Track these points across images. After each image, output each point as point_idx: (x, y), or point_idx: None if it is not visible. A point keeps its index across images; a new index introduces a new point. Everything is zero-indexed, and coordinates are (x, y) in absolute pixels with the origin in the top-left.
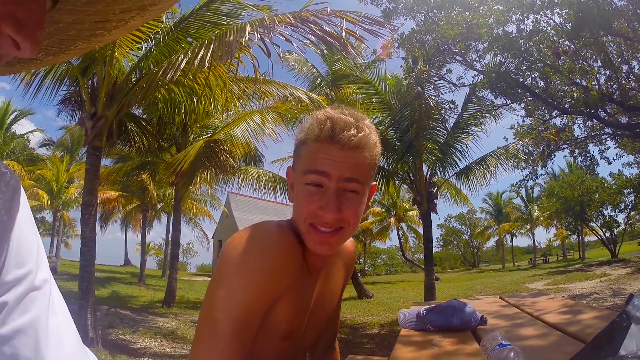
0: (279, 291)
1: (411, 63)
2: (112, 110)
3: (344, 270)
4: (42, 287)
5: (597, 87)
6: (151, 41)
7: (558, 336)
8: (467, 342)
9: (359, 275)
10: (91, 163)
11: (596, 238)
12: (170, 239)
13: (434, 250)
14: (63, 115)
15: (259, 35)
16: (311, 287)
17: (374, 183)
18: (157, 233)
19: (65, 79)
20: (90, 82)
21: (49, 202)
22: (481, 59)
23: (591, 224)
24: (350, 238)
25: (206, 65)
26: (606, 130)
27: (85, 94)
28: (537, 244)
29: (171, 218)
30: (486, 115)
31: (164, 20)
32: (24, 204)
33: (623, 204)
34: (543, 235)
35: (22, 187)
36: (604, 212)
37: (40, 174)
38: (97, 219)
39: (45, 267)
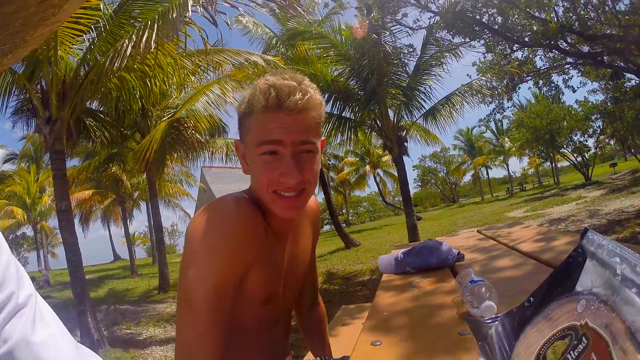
0: (246, 261)
1: (365, 11)
2: (66, 110)
3: (311, 228)
4: (27, 303)
5: (555, 19)
6: (93, 32)
7: (533, 265)
8: (445, 279)
9: (344, 225)
10: (57, 168)
11: (569, 163)
12: (152, 225)
13: (413, 191)
14: (19, 126)
15: (201, 8)
16: (281, 251)
17: (323, 138)
18: (140, 221)
19: (13, 89)
20: (38, 86)
21: (25, 217)
22: (436, 0)
23: (562, 150)
24: (312, 196)
25: (152, 46)
26: (568, 59)
27: (36, 99)
28: (512, 173)
29: (149, 205)
30: (446, 55)
31: (102, 8)
32: None
33: (591, 129)
34: (517, 165)
35: None
36: (574, 138)
37: (10, 190)
38: (77, 221)
39: (27, 283)
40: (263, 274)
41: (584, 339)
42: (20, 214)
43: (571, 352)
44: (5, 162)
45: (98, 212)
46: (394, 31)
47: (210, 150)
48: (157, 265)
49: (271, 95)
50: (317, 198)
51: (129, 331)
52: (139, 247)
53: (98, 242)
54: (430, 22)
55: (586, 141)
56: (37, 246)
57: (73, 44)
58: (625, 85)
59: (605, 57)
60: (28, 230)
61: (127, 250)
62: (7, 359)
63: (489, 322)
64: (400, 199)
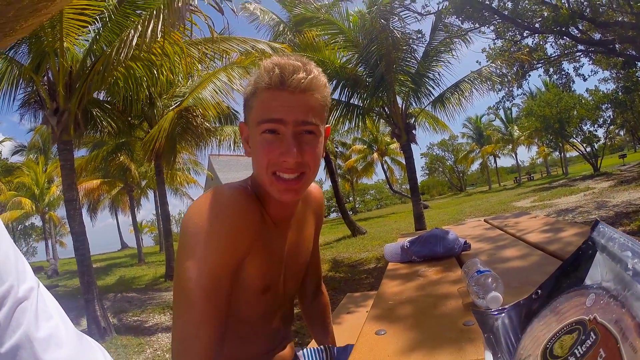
0: (242, 250)
1: None
2: (73, 101)
3: (314, 218)
4: (29, 296)
5: (566, 4)
6: (98, 22)
7: (539, 256)
8: (451, 269)
9: (350, 213)
10: (64, 158)
11: (577, 153)
12: (159, 213)
13: (421, 179)
14: (27, 118)
15: None
16: (281, 239)
17: (328, 125)
18: (148, 210)
19: (20, 81)
20: (45, 78)
21: (34, 207)
22: None
23: (572, 139)
24: (316, 184)
25: (159, 36)
26: (579, 47)
27: (43, 91)
28: (520, 163)
29: (156, 193)
30: (455, 41)
31: None
32: None
33: (602, 119)
34: (525, 154)
35: None
36: (584, 127)
37: (19, 181)
38: (85, 210)
39: (29, 276)
40: (261, 262)
41: (592, 334)
42: (28, 204)
43: (579, 347)
44: (14, 154)
45: (106, 201)
46: (402, 17)
47: (218, 138)
48: (164, 254)
49: (275, 73)
50: (323, 186)
51: (135, 318)
52: (147, 235)
53: (106, 231)
54: (439, 7)
55: (596, 131)
56: (45, 236)
57: (79, 35)
58: (637, 74)
59: (617, 45)
60: (37, 221)
61: (134, 239)
62: (10, 357)
63: (496, 314)
64: (408, 186)
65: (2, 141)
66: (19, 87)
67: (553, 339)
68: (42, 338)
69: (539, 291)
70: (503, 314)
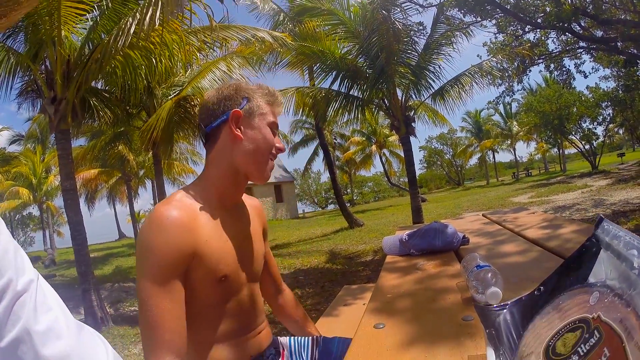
0: (187, 252)
1: None
2: (71, 90)
3: (258, 220)
4: (27, 289)
5: (569, 0)
6: (96, 10)
7: (538, 252)
8: (450, 263)
9: (348, 205)
10: (62, 148)
11: (576, 150)
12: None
13: (419, 172)
14: (25, 107)
15: None
16: (234, 224)
17: None
18: (145, 200)
19: (17, 70)
20: (42, 66)
21: (31, 197)
22: None
23: (570, 136)
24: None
25: (157, 24)
26: (581, 44)
27: (41, 80)
28: (518, 158)
29: (154, 183)
30: (457, 34)
31: None
32: None
33: (601, 117)
34: (524, 150)
35: None
36: (583, 125)
37: (16, 171)
38: (83, 200)
39: (28, 269)
40: (215, 250)
41: (596, 333)
42: (26, 194)
43: (582, 345)
44: (11, 143)
45: (104, 191)
46: (404, 8)
47: None
48: None
49: (277, 97)
50: (321, 177)
51: (132, 308)
52: None
53: (104, 221)
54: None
55: (595, 129)
56: (43, 226)
57: (77, 24)
58: (637, 73)
59: (619, 43)
60: (34, 210)
61: (132, 229)
62: (11, 351)
63: (497, 310)
64: (405, 179)
65: (0, 130)
66: (16, 76)
67: (556, 336)
68: (41, 331)
69: (542, 287)
70: (505, 310)
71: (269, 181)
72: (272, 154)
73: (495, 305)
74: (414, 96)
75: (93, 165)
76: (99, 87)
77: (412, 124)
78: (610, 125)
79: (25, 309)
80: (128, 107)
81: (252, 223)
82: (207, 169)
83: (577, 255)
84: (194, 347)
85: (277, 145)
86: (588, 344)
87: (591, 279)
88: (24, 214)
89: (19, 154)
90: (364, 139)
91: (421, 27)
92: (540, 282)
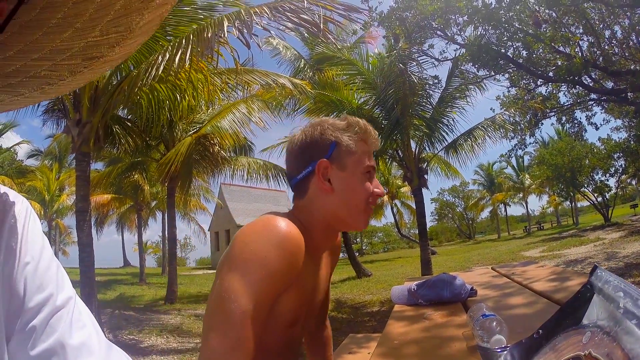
0: (287, 284)
1: (392, 41)
2: (96, 115)
3: (330, 256)
4: (66, 305)
5: (580, 54)
6: None
7: (545, 304)
8: (457, 313)
9: (357, 254)
10: (81, 169)
11: (589, 203)
12: (166, 236)
13: (430, 224)
14: (49, 125)
15: (237, 30)
16: (313, 275)
17: None
18: (154, 231)
19: None
20: None
21: (42, 212)
22: (462, 32)
23: (583, 189)
24: None
25: (187, 63)
26: (592, 96)
27: (68, 101)
28: (530, 212)
29: (166, 215)
30: (470, 87)
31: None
32: (34, 228)
33: (613, 168)
34: (536, 203)
35: (31, 210)
36: (595, 177)
37: (31, 185)
38: (92, 222)
39: (68, 286)
40: (296, 297)
41: None
42: (37, 208)
43: None
44: (29, 157)
45: (114, 216)
46: (420, 62)
47: (232, 167)
48: (165, 276)
49: (370, 133)
50: None
51: (131, 337)
52: (150, 256)
53: (110, 246)
54: (456, 54)
55: (607, 180)
56: (49, 242)
57: None
58: None
59: (629, 94)
60: (43, 226)
61: (137, 257)
62: (43, 359)
63: (499, 351)
64: (416, 231)
65: (19, 143)
66: None
67: None
68: (75, 345)
69: (540, 331)
70: (506, 352)
71: None
72: (370, 202)
73: (497, 348)
74: (427, 148)
75: (107, 190)
76: (123, 116)
77: (425, 175)
78: (623, 177)
79: (62, 323)
80: (148, 139)
81: (326, 264)
82: (296, 212)
83: (573, 300)
84: None
85: (375, 191)
86: None
87: (585, 321)
88: None
89: (36, 169)
90: None
91: (436, 81)
92: (539, 326)
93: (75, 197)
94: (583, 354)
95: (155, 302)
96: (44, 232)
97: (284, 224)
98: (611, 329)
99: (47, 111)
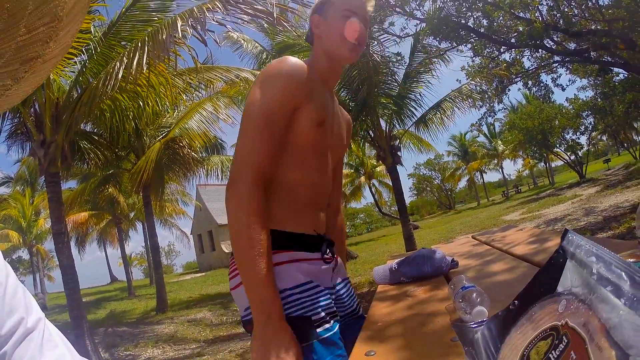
0: (297, 96)
1: None
2: (60, 133)
3: (345, 128)
4: (36, 327)
5: (540, 18)
6: (84, 54)
7: (526, 267)
8: (439, 287)
9: None
10: (52, 191)
11: (563, 162)
12: (148, 245)
13: (409, 199)
14: (14, 150)
15: (191, 28)
16: (327, 96)
17: None
18: (137, 242)
19: (7, 113)
20: (32, 109)
21: (21, 240)
22: (421, 7)
23: (555, 149)
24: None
25: (144, 68)
26: (555, 58)
27: (30, 122)
28: (507, 176)
29: (145, 225)
30: (434, 61)
31: (92, 31)
32: None
33: (583, 127)
34: (512, 168)
35: None
36: (566, 136)
37: (5, 213)
38: (73, 243)
39: (35, 308)
40: (316, 104)
41: (564, 338)
42: (15, 237)
43: (553, 351)
44: (0, 185)
45: (94, 234)
46: (381, 41)
47: (206, 167)
48: (154, 286)
49: None
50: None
51: (127, 353)
52: (136, 268)
53: (95, 264)
54: (416, 29)
55: (578, 139)
56: (33, 269)
57: (65, 67)
58: (613, 79)
59: (592, 53)
60: (24, 254)
61: (124, 272)
62: None
63: (475, 327)
64: (397, 208)
65: None
66: (5, 119)
67: (529, 346)
68: None
69: (516, 302)
70: (482, 326)
71: None
72: (345, 36)
73: (472, 323)
74: (397, 125)
75: (83, 207)
76: (88, 130)
77: (398, 153)
78: (593, 133)
79: (32, 344)
80: (117, 150)
81: (341, 123)
82: (308, 58)
83: (546, 267)
84: (279, 185)
85: (347, 28)
86: (558, 349)
87: (559, 289)
88: (14, 257)
89: (8, 196)
90: (352, 171)
91: (399, 58)
92: (515, 297)
93: (50, 220)
94: (560, 323)
95: (147, 313)
96: (24, 259)
97: (288, 57)
98: (586, 297)
99: (10, 136)
